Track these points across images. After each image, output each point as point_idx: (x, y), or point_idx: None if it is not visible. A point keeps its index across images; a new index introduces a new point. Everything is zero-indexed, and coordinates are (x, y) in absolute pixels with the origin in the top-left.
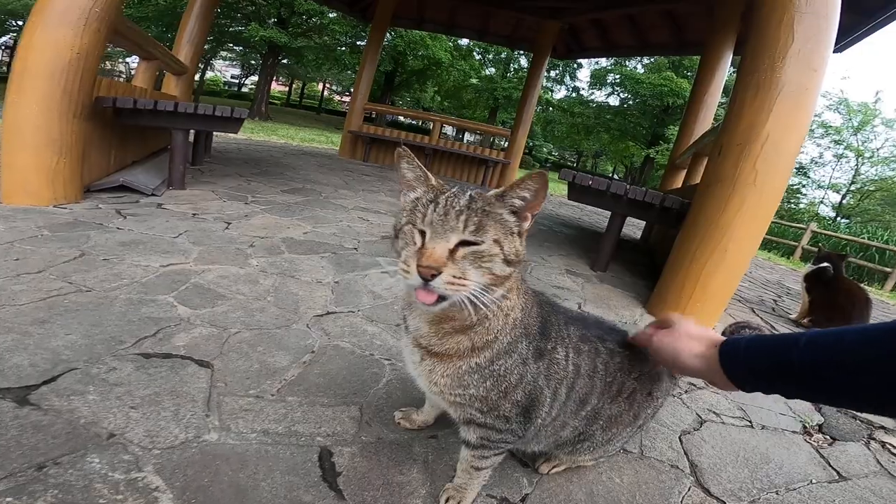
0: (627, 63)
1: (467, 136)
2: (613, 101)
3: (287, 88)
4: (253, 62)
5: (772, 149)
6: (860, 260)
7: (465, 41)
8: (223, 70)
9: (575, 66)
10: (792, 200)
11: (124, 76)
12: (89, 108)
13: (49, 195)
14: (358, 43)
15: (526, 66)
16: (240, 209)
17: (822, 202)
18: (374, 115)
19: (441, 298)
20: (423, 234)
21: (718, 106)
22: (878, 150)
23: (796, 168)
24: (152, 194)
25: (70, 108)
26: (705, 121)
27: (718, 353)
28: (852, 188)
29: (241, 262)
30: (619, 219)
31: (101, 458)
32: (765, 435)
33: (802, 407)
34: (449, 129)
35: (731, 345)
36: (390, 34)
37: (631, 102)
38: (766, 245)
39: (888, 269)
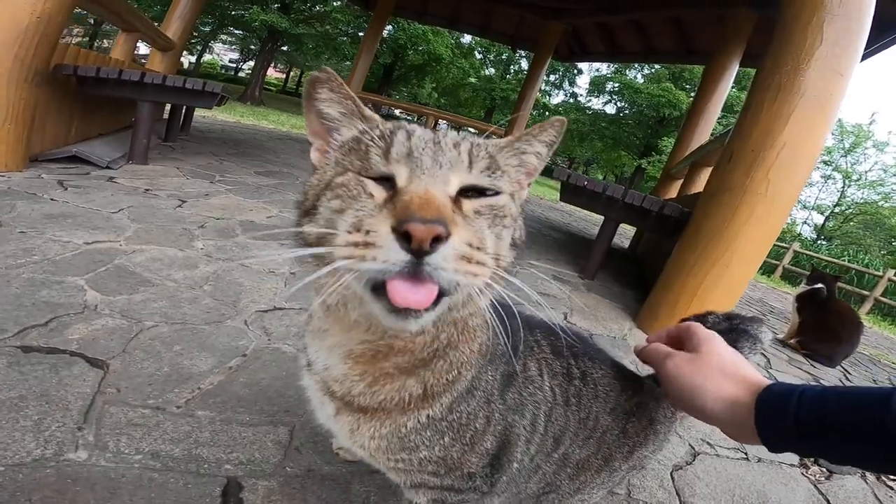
0: (628, 72)
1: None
2: (610, 109)
3: (285, 75)
4: (253, 47)
5: (788, 157)
6: (840, 283)
7: (466, 39)
8: (222, 54)
9: (575, 71)
10: None
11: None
12: (44, 75)
13: None
14: (359, 34)
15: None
16: (202, 188)
17: (805, 223)
18: (368, 107)
19: (438, 298)
20: (388, 180)
21: (717, 121)
22: (866, 172)
23: None
24: (107, 167)
25: (21, 73)
26: (704, 131)
27: (756, 401)
28: (836, 210)
29: (184, 244)
30: (613, 225)
31: None
32: (761, 469)
33: None
34: (444, 125)
35: (778, 393)
36: (392, 27)
37: (627, 112)
38: None
39: (866, 293)
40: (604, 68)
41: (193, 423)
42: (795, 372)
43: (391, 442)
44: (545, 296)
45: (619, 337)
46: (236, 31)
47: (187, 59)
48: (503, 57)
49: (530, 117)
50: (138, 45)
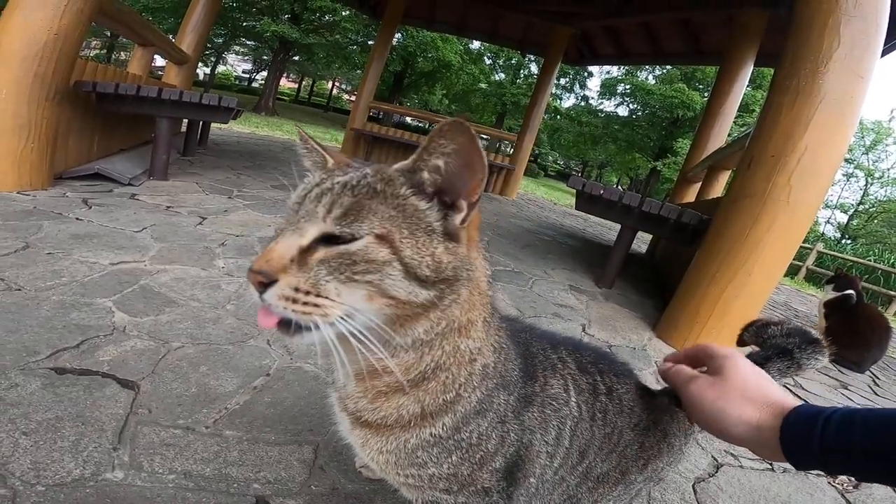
0: (639, 73)
1: None
2: (622, 111)
3: (297, 85)
4: (265, 57)
5: (809, 162)
6: (865, 283)
7: (475, 45)
8: (235, 65)
9: (585, 74)
10: None
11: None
12: (65, 93)
13: (13, 181)
14: (369, 42)
15: (536, 72)
16: (220, 203)
17: (828, 222)
18: (380, 115)
19: (295, 327)
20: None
21: (734, 122)
22: (888, 170)
23: None
24: (129, 184)
25: (43, 91)
26: (720, 133)
27: (782, 425)
28: (859, 209)
29: (206, 263)
30: (630, 232)
31: None
32: (786, 479)
33: None
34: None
35: (807, 416)
36: (401, 35)
37: (640, 113)
38: None
39: (893, 293)
40: (614, 70)
41: (222, 443)
42: (823, 378)
43: (398, 457)
44: (562, 307)
45: (639, 347)
46: (248, 42)
47: (202, 71)
48: (513, 61)
49: (542, 122)
50: (154, 57)
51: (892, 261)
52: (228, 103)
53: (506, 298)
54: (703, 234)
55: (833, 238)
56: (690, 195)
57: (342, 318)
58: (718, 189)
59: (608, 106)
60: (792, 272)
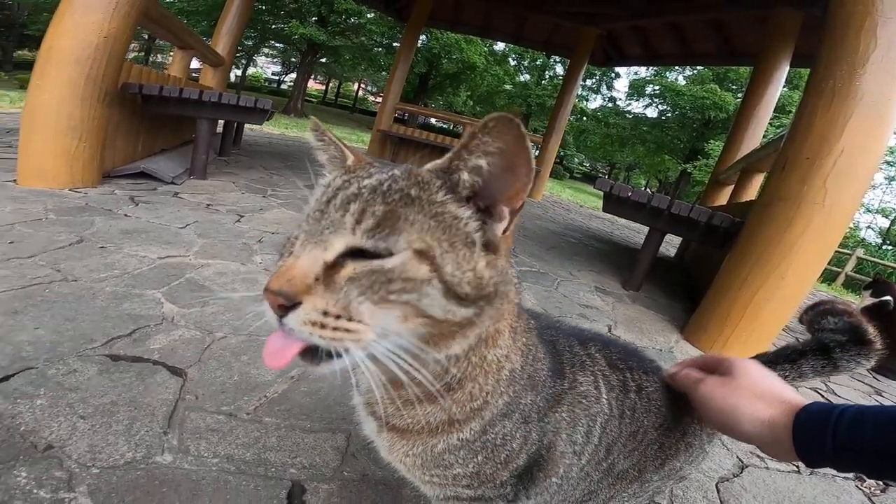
0: (668, 74)
1: None
2: (651, 112)
3: (324, 87)
4: (293, 59)
5: (846, 165)
6: None
7: (500, 46)
8: (265, 67)
9: (612, 75)
10: None
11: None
12: (114, 94)
13: (66, 179)
14: (394, 44)
15: (562, 73)
16: (256, 202)
17: (869, 227)
18: (406, 117)
19: (322, 355)
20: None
21: (769, 122)
22: None
23: None
24: (172, 182)
25: (94, 93)
26: (755, 135)
27: (794, 422)
28: None
29: (245, 259)
30: (658, 235)
31: (30, 473)
32: (812, 481)
33: None
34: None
35: (818, 413)
36: (426, 36)
37: (670, 115)
38: None
39: None
40: (643, 71)
41: (262, 429)
42: (856, 385)
43: (425, 460)
44: (588, 307)
45: (666, 350)
46: (277, 45)
47: (234, 73)
48: (538, 63)
49: (568, 123)
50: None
51: None
52: (264, 105)
53: (531, 298)
54: (735, 236)
55: (874, 244)
56: (722, 198)
57: (375, 340)
58: (752, 192)
59: (636, 107)
60: (830, 278)
